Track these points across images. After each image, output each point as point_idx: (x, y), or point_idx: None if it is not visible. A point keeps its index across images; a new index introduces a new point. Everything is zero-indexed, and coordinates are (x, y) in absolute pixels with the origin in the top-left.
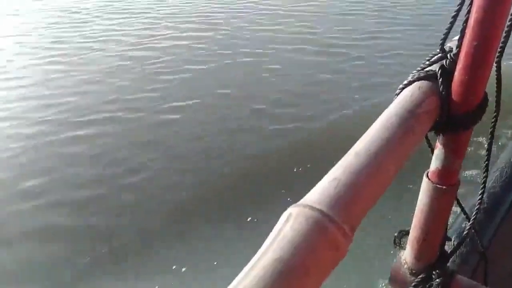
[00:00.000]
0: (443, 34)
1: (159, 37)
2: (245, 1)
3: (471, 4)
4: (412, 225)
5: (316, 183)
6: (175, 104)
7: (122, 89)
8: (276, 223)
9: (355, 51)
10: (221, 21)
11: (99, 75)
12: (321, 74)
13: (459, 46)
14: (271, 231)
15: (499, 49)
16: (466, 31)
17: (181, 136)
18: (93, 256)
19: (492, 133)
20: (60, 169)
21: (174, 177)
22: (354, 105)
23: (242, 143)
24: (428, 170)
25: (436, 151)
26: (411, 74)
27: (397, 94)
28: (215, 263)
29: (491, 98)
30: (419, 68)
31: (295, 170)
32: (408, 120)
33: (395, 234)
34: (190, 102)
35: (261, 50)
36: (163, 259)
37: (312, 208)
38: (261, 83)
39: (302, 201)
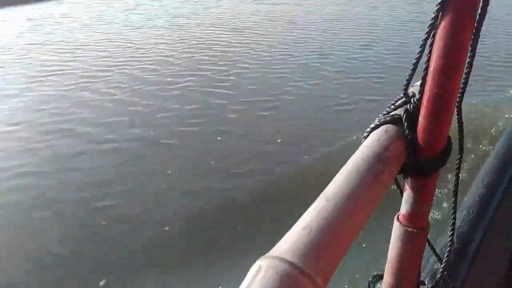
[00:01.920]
0: (406, 80)
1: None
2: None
3: (430, 53)
4: (385, 269)
5: (287, 229)
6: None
7: (113, 121)
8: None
9: (321, 97)
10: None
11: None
12: (286, 120)
13: (421, 91)
14: (240, 282)
15: (459, 95)
16: (427, 77)
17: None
18: None
19: (457, 175)
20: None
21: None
22: (322, 149)
23: (214, 186)
24: (398, 213)
25: (405, 194)
26: (378, 118)
27: (365, 137)
28: None
29: (456, 141)
30: (385, 112)
31: (261, 217)
32: (377, 164)
33: (369, 279)
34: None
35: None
36: None
37: (282, 260)
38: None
39: (272, 251)
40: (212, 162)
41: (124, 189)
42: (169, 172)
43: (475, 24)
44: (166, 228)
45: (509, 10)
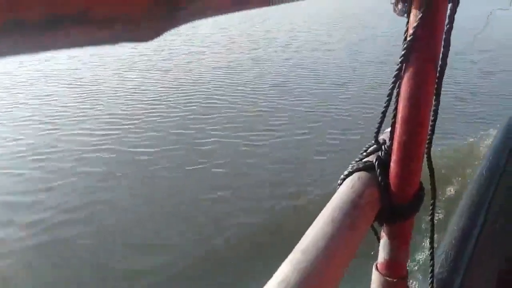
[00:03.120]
0: (376, 127)
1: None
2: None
3: (397, 101)
4: None
5: (264, 281)
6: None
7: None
8: None
9: (291, 143)
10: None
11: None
12: (258, 169)
13: (391, 138)
14: None
15: (427, 142)
16: (396, 126)
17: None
18: None
19: (432, 220)
20: None
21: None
22: (294, 198)
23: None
24: (376, 261)
25: (382, 241)
26: (351, 165)
27: (339, 184)
28: None
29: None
30: (357, 159)
31: (237, 269)
32: (352, 212)
33: None
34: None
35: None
36: None
37: None
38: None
39: None
40: (184, 216)
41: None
42: (136, 226)
43: (437, 74)
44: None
45: (468, 58)
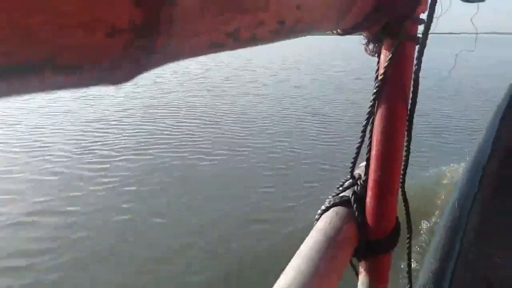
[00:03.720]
0: (351, 162)
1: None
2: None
3: (371, 137)
4: None
5: None
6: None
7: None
8: None
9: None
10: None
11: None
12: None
13: (366, 173)
14: None
15: (401, 176)
16: (370, 160)
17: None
18: None
19: (409, 254)
20: None
21: None
22: (271, 235)
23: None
24: None
25: (360, 277)
26: (327, 200)
27: (317, 220)
28: None
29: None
30: (334, 194)
31: None
32: (330, 248)
33: None
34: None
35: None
36: None
37: None
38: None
39: None
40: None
41: None
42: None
43: (408, 111)
44: None
45: (437, 95)
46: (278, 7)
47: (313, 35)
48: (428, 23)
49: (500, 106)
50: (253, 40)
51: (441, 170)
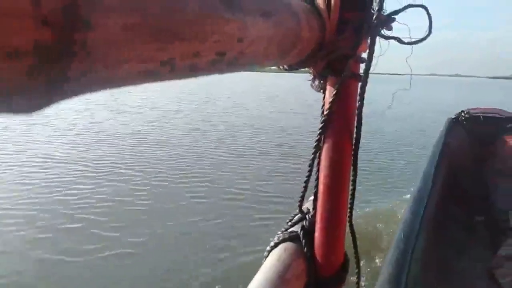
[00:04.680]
0: (300, 196)
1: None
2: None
3: (318, 171)
4: None
5: None
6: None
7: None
8: None
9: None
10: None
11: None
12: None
13: (314, 207)
14: None
15: (348, 209)
16: (318, 195)
17: None
18: None
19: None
20: None
21: None
22: (219, 273)
23: None
24: None
25: None
26: (277, 235)
27: (266, 257)
28: None
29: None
30: (283, 229)
31: None
32: (279, 286)
33: None
34: None
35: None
36: None
37: None
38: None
39: None
40: None
41: None
42: None
43: (353, 145)
44: None
45: (378, 130)
46: (218, 38)
47: (256, 69)
48: (368, 62)
49: (438, 140)
50: (192, 71)
51: (387, 205)
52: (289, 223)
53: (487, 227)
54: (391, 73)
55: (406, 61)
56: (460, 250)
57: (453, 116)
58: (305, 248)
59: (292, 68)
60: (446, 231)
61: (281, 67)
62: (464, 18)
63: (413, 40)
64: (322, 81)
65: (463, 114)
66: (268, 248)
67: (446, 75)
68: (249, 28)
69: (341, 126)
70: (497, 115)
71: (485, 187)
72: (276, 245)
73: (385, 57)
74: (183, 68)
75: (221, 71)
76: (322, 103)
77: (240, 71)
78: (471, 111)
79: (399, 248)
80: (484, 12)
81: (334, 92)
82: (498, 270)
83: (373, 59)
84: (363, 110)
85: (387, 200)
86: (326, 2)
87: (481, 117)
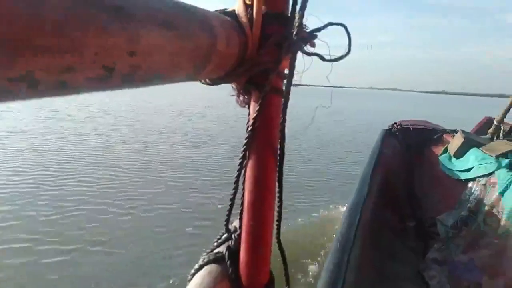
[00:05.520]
0: (226, 215)
1: None
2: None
3: (243, 189)
4: None
5: None
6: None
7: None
8: None
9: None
10: None
11: None
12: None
13: (240, 226)
14: None
15: (276, 226)
16: (244, 212)
17: None
18: None
19: None
20: None
21: None
22: None
23: None
24: None
25: None
26: (202, 257)
27: (189, 280)
28: None
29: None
30: (208, 250)
31: None
32: None
33: None
34: None
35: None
36: None
37: None
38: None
39: None
40: None
41: None
42: None
43: (278, 161)
44: None
45: (301, 144)
46: (100, 51)
47: (170, 83)
48: (289, 78)
49: (374, 150)
50: (64, 88)
51: (324, 214)
52: (215, 244)
53: (417, 233)
54: (335, 86)
55: (327, 78)
56: (393, 255)
57: (387, 127)
58: (230, 270)
59: (216, 82)
60: (380, 237)
61: (202, 81)
62: (403, 36)
63: (333, 57)
64: (246, 96)
65: (395, 125)
66: (192, 271)
67: (384, 88)
68: (143, 40)
69: (264, 141)
70: (424, 127)
71: (415, 194)
72: (200, 267)
73: (327, 70)
74: (50, 85)
75: (117, 86)
76: (247, 119)
77: (146, 86)
78: (403, 123)
79: (335, 257)
80: (422, 31)
81: (257, 108)
82: (427, 272)
83: (296, 74)
84: (286, 124)
85: (325, 209)
86: (248, 16)
87: (411, 128)
